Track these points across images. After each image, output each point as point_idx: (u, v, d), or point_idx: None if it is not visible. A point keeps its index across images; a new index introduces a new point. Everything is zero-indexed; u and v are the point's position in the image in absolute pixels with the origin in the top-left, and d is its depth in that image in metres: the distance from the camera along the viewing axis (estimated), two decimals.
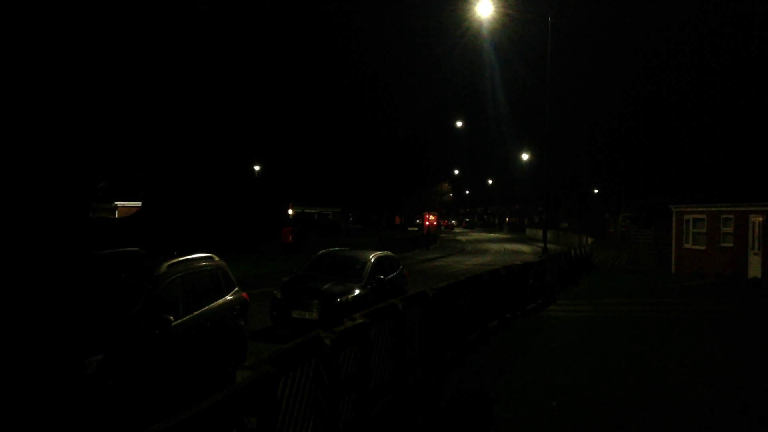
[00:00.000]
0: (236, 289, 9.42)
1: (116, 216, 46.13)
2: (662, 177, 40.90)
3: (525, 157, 68.94)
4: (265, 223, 39.40)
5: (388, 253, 15.35)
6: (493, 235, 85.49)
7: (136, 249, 8.76)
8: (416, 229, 72.94)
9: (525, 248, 51.92)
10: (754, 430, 7.20)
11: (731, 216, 25.32)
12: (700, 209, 27.39)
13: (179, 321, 7.37)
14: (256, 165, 51.16)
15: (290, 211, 56.33)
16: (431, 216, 61.20)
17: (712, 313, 15.99)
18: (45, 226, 26.22)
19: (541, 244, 32.28)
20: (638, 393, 8.41)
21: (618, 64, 46.59)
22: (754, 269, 23.72)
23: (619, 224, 50.57)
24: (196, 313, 7.88)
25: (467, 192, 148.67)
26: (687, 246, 28.05)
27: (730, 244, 25.29)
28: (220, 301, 8.71)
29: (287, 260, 27.64)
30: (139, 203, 41.77)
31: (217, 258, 9.17)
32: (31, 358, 6.04)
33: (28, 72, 26.70)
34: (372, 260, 13.72)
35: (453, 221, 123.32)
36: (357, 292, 12.42)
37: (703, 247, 26.91)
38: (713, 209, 26.39)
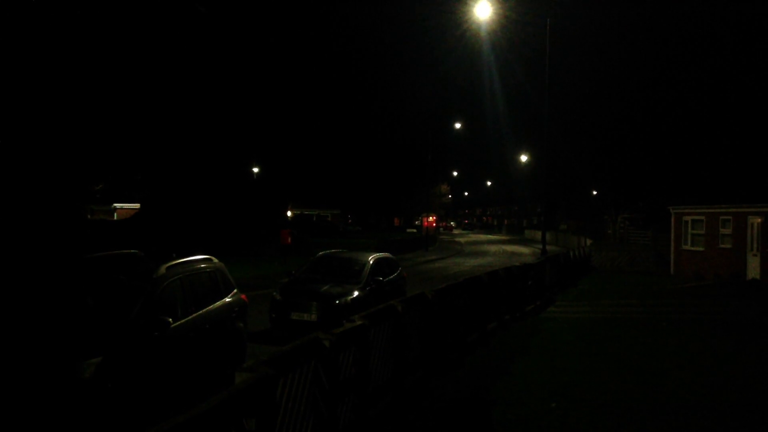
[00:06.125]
0: (235, 290, 9.41)
1: (115, 218, 46.11)
2: (661, 178, 40.91)
3: (524, 158, 68.96)
4: (263, 224, 39.38)
5: (386, 254, 15.34)
6: (491, 237, 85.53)
7: (134, 251, 8.74)
8: (415, 230, 72.90)
9: (524, 250, 51.94)
10: (753, 430, 7.20)
11: (730, 217, 25.33)
12: (698, 210, 27.40)
13: (178, 323, 7.36)
14: (255, 167, 51.18)
15: (289, 213, 56.32)
16: (430, 217, 61.21)
17: (711, 314, 15.99)
18: (42, 229, 26.19)
19: (540, 246, 32.27)
20: (637, 394, 8.41)
21: (616, 65, 46.65)
22: (753, 270, 23.73)
23: (618, 226, 50.57)
24: (194, 315, 7.87)
25: (466, 194, 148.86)
26: (686, 247, 28.05)
27: (729, 246, 25.30)
28: (219, 303, 8.70)
29: (286, 262, 27.63)
30: (137, 205, 41.76)
31: (215, 260, 9.16)
32: (26, 361, 6.02)
33: (26, 74, 26.68)
34: (371, 262, 13.71)
35: (452, 223, 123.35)
36: (356, 293, 12.41)
37: (702, 249, 26.91)
38: (712, 210, 26.40)
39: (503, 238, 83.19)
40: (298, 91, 42.77)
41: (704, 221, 26.91)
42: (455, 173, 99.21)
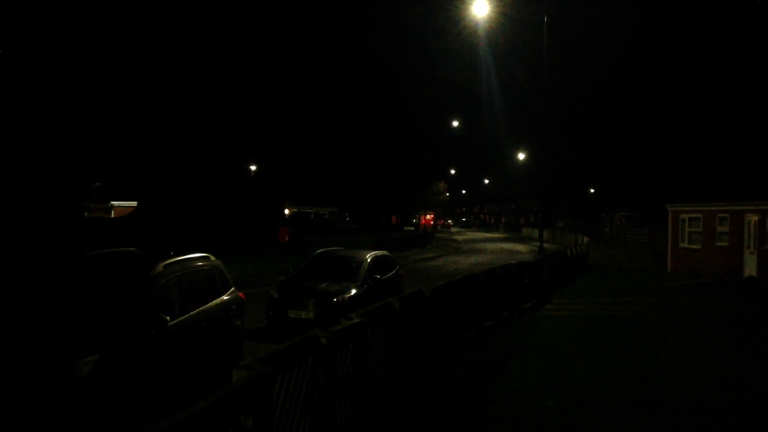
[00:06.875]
0: (232, 288, 9.40)
1: (112, 216, 46.08)
2: (658, 176, 40.98)
3: (521, 156, 69.01)
4: (261, 222, 39.40)
5: (384, 252, 15.34)
6: (489, 235, 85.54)
7: (131, 249, 8.72)
8: (413, 228, 72.90)
9: (521, 247, 51.97)
10: (753, 430, 7.21)
11: (727, 215, 25.38)
12: (695, 208, 27.44)
13: (175, 321, 7.35)
14: (253, 164, 51.18)
15: (286, 211, 56.31)
16: (428, 215, 61.21)
17: (708, 312, 16.02)
18: (40, 226, 26.14)
19: (537, 244, 32.30)
20: (635, 393, 8.42)
21: (614, 63, 46.69)
22: (750, 268, 23.79)
23: (615, 223, 50.68)
24: (192, 313, 7.86)
25: (463, 191, 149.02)
26: (683, 245, 28.10)
27: (726, 243, 25.35)
28: (217, 300, 8.69)
29: (283, 260, 27.61)
30: (134, 203, 41.74)
31: (213, 258, 9.16)
32: (23, 359, 6.01)
33: (24, 72, 26.62)
34: (368, 260, 13.71)
35: (449, 221, 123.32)
36: (353, 291, 12.41)
37: (699, 246, 26.96)
38: (709, 208, 26.44)
39: (501, 236, 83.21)
40: (297, 89, 42.76)
41: (701, 219, 26.95)
42: (453, 171, 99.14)
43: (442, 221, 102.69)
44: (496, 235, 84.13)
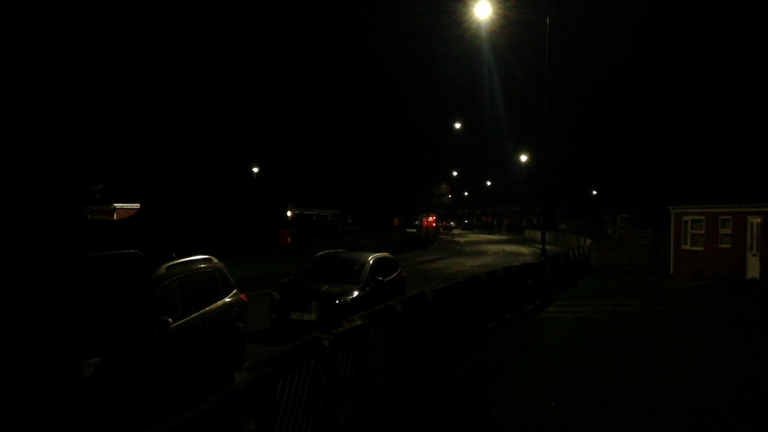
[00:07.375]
0: (235, 290, 9.41)
1: (114, 218, 46.14)
2: (660, 178, 40.94)
3: (523, 158, 68.89)
4: (263, 224, 39.41)
5: (386, 254, 15.34)
6: (491, 237, 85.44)
7: (134, 251, 8.74)
8: (415, 230, 72.82)
9: (523, 249, 51.91)
10: (753, 430, 7.20)
11: (729, 217, 25.33)
12: (698, 210, 27.39)
13: (177, 323, 7.36)
14: (255, 166, 51.22)
15: (288, 213, 56.30)
16: (430, 217, 61.18)
17: (710, 314, 16.00)
18: (42, 228, 26.19)
19: (540, 246, 32.30)
20: (637, 394, 8.41)
21: (616, 65, 46.69)
22: (753, 270, 23.73)
23: (618, 225, 50.59)
24: (194, 315, 7.87)
25: (466, 193, 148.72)
26: (685, 247, 28.05)
27: (729, 245, 25.30)
28: (219, 303, 8.70)
29: (286, 262, 27.59)
30: (137, 205, 41.78)
31: (215, 260, 9.16)
32: (26, 360, 6.02)
33: (25, 73, 26.67)
34: (370, 262, 13.71)
35: (452, 222, 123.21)
36: (356, 293, 12.41)
37: (702, 248, 26.91)
38: (711, 210, 26.39)
39: (503, 238, 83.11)
40: (298, 90, 42.78)
41: (704, 221, 26.90)
42: (455, 173, 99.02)
43: (444, 223, 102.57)
44: (498, 237, 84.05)
